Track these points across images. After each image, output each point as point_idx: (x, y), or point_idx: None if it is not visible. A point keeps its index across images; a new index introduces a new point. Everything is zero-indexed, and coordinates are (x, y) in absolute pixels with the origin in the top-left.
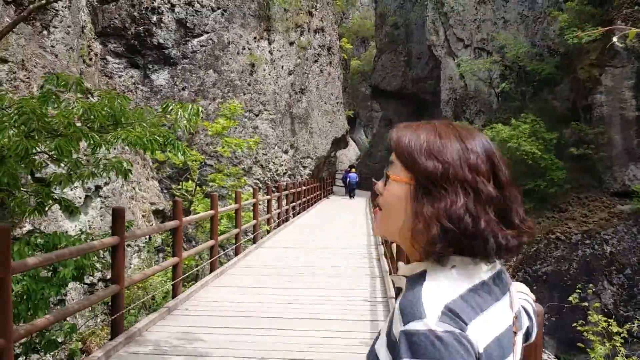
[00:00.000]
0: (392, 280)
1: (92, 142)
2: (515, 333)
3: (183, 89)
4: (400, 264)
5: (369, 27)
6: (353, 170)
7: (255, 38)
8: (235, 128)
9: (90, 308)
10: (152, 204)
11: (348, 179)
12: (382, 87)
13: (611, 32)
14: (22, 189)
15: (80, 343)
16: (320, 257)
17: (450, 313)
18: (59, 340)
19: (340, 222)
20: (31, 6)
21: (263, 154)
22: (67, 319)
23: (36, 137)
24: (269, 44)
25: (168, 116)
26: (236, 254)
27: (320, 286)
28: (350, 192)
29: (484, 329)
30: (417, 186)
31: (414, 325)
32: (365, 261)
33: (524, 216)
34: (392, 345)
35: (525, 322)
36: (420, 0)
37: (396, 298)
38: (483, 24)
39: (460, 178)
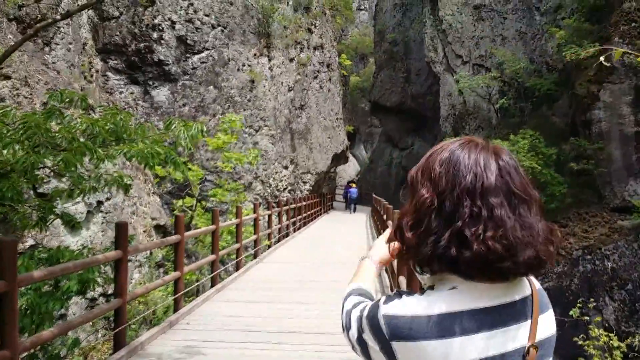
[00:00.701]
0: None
1: (95, 156)
2: None
3: (183, 105)
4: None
5: (368, 44)
6: (353, 185)
7: (255, 55)
8: (236, 144)
9: (91, 323)
10: (153, 219)
11: (349, 194)
12: (381, 103)
13: (605, 52)
14: (24, 203)
15: (81, 358)
16: (320, 271)
17: (394, 322)
18: (62, 354)
19: (340, 237)
20: (37, 25)
21: (263, 169)
22: (69, 333)
23: (41, 152)
24: (269, 60)
25: (170, 133)
26: (237, 268)
27: (320, 300)
28: (351, 206)
29: (437, 352)
30: (414, 213)
31: (382, 300)
32: None
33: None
34: None
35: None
36: (419, 17)
37: None
38: (481, 40)
39: (449, 203)
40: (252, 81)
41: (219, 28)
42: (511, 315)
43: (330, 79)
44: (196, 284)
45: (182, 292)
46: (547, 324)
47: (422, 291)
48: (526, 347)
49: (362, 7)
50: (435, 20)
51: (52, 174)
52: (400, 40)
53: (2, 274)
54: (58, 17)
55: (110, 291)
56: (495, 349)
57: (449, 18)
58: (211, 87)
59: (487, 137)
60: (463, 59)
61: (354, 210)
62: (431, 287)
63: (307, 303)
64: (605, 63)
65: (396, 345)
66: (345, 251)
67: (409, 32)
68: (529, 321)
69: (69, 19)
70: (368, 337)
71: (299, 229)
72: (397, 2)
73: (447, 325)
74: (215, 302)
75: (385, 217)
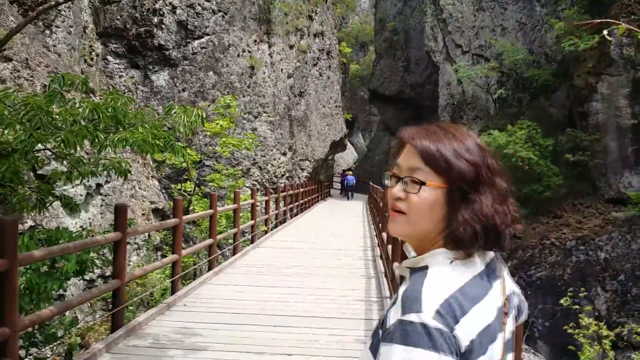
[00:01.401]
0: (396, 270)
1: (97, 141)
2: (505, 314)
3: (183, 90)
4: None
5: (369, 32)
6: (350, 172)
7: (255, 41)
8: (235, 129)
9: (89, 304)
10: (151, 202)
11: (346, 181)
12: (380, 92)
13: (606, 26)
14: (24, 185)
15: (78, 338)
16: (317, 257)
17: (444, 311)
18: (59, 334)
19: (337, 224)
20: (40, 8)
21: (261, 155)
22: (67, 313)
23: (43, 133)
24: (269, 47)
25: (170, 119)
26: (234, 253)
27: (316, 285)
28: (348, 193)
29: (475, 320)
30: (451, 190)
31: (410, 317)
32: (361, 262)
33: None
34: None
35: (515, 302)
36: (420, 6)
37: (399, 286)
38: (481, 30)
39: (485, 178)
40: (252, 67)
41: (220, 14)
42: (493, 274)
43: (329, 67)
44: (193, 267)
45: (180, 274)
46: (509, 280)
47: (418, 274)
48: (502, 301)
49: None
50: (436, 10)
51: (52, 156)
52: (401, 29)
53: (3, 252)
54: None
55: (108, 273)
56: (497, 305)
57: (449, 7)
58: (211, 72)
59: (485, 127)
60: (463, 48)
61: (351, 197)
62: (425, 268)
63: (302, 287)
64: (608, 37)
65: (459, 330)
66: (341, 238)
67: (409, 21)
68: (500, 278)
69: (70, 2)
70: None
71: (296, 215)
72: None
73: (475, 290)
74: (212, 285)
75: (381, 204)
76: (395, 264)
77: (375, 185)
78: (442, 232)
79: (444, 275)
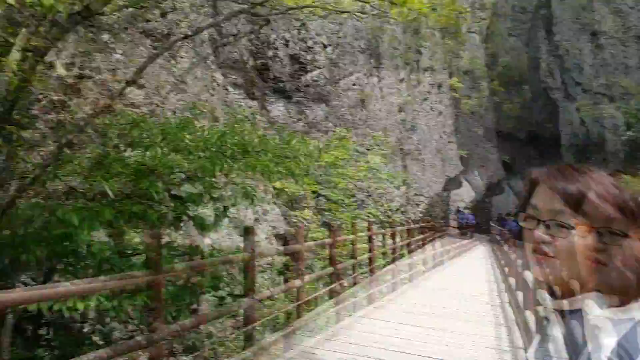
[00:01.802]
0: (544, 310)
1: (224, 166)
2: None
3: (298, 121)
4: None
5: (480, 67)
6: (468, 211)
7: (365, 74)
8: (348, 161)
9: (220, 320)
10: (273, 227)
11: (466, 220)
12: (496, 129)
13: None
14: (161, 203)
15: (212, 352)
16: (443, 298)
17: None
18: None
19: (460, 266)
20: (172, 39)
21: (375, 188)
22: (201, 327)
23: (180, 157)
24: (379, 80)
25: (290, 149)
26: (354, 283)
27: (446, 328)
28: (467, 233)
29: None
30: (599, 233)
31: None
32: (489, 307)
33: None
34: None
35: None
36: (533, 42)
37: (542, 328)
38: (602, 68)
39: (631, 219)
40: (363, 100)
41: (330, 47)
42: None
43: (441, 101)
44: (315, 294)
45: (304, 300)
46: None
47: (575, 316)
48: None
49: (473, 30)
50: (551, 46)
51: (185, 178)
52: (514, 65)
53: (150, 264)
54: (188, 32)
55: (237, 291)
56: None
57: (565, 44)
58: (323, 104)
59: (615, 170)
60: (583, 86)
61: (471, 237)
62: (578, 311)
63: (431, 328)
64: None
65: None
66: (466, 280)
67: (522, 56)
68: None
69: (193, 36)
70: None
71: (413, 251)
72: (509, 25)
73: (638, 339)
74: (333, 313)
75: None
76: (527, 312)
77: (496, 226)
78: (592, 275)
79: (605, 322)
